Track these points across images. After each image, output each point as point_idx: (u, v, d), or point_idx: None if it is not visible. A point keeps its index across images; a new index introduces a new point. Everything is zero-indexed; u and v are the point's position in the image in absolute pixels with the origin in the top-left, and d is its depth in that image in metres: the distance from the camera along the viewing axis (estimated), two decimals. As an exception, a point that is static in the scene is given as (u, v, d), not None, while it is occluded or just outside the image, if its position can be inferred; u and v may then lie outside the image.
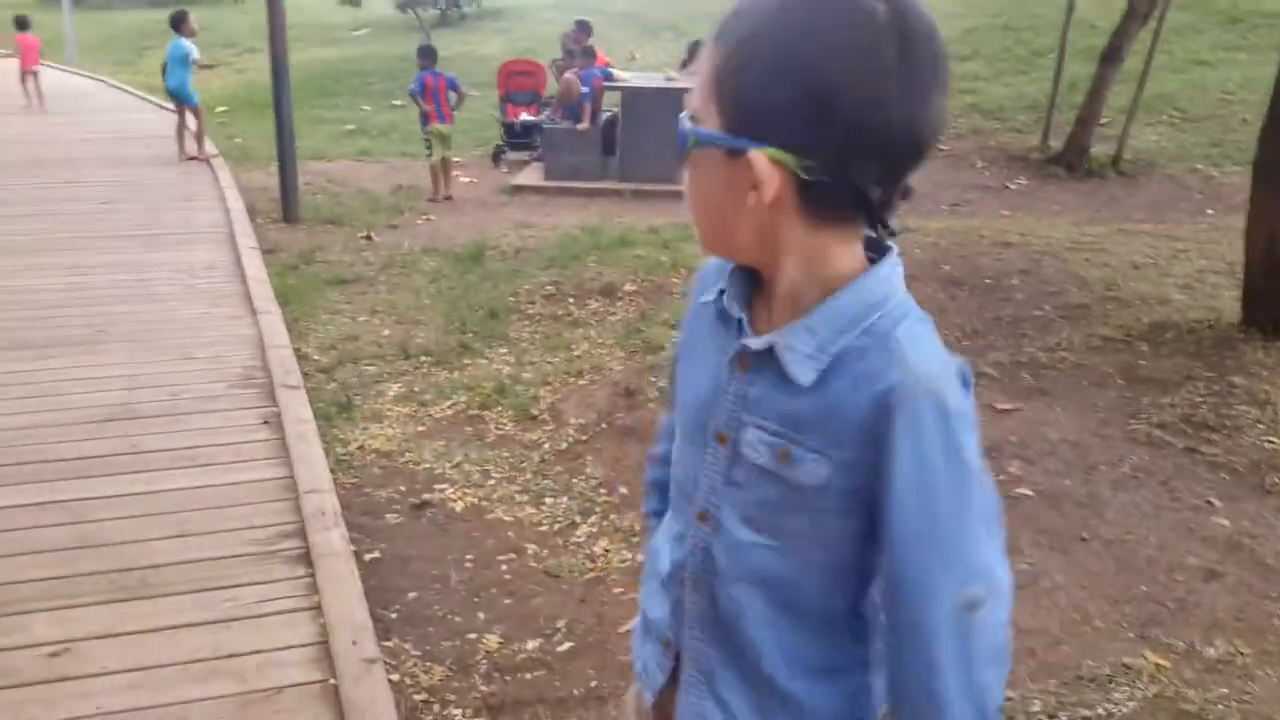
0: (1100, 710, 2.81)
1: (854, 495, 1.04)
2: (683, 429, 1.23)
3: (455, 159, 10.88)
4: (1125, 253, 7.08)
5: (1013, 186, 10.50)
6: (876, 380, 1.00)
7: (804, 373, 1.04)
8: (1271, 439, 4.26)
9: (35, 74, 14.53)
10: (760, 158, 0.98)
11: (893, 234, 1.04)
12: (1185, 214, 9.25)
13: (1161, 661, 3.00)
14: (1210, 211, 9.32)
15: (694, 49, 12.24)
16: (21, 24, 14.46)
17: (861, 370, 1.01)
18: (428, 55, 10.64)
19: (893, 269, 1.06)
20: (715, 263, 1.21)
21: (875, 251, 1.08)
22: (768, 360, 1.08)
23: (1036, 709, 2.81)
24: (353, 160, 12.12)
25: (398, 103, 14.88)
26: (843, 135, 0.95)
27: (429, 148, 10.30)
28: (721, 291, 1.15)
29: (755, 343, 1.08)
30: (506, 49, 17.67)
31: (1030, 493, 3.90)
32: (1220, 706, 2.82)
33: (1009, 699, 2.77)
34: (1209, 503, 3.86)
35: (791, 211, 1.01)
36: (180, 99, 10.77)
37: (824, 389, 1.03)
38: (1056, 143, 11.19)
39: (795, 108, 0.96)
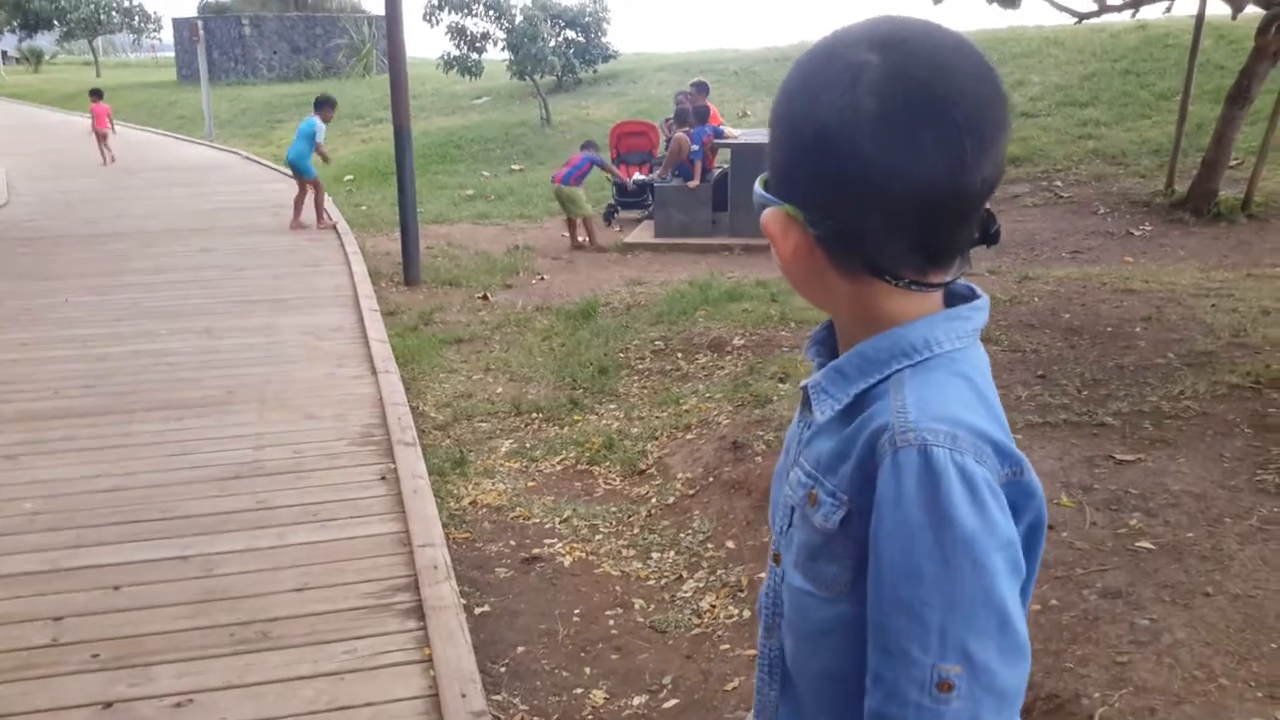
0: (1227, 776, 2.68)
1: (864, 545, 0.98)
2: (777, 471, 1.25)
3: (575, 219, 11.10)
4: (1254, 298, 6.81)
5: (1136, 232, 10.21)
6: (874, 422, 0.98)
7: (821, 411, 1.06)
8: None
9: (105, 136, 17.11)
10: (776, 214, 1.03)
11: (926, 287, 1.02)
12: (1321, 257, 8.86)
13: (1293, 725, 2.85)
14: (1349, 253, 8.91)
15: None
16: (96, 94, 17.42)
17: (870, 413, 1.00)
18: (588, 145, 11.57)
19: (944, 321, 1.03)
20: None
21: (964, 299, 1.08)
22: (809, 400, 1.10)
23: (1157, 773, 2.70)
24: (472, 223, 12.47)
25: (516, 167, 15.29)
26: (830, 186, 0.98)
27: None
28: None
29: (807, 382, 1.11)
30: (620, 111, 18.02)
31: (1152, 546, 3.75)
32: (1359, 774, 2.66)
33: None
34: (1346, 558, 3.66)
35: (824, 262, 1.03)
36: (297, 171, 11.26)
37: (842, 430, 1.03)
38: (1182, 187, 10.84)
39: (794, 165, 1.01)
